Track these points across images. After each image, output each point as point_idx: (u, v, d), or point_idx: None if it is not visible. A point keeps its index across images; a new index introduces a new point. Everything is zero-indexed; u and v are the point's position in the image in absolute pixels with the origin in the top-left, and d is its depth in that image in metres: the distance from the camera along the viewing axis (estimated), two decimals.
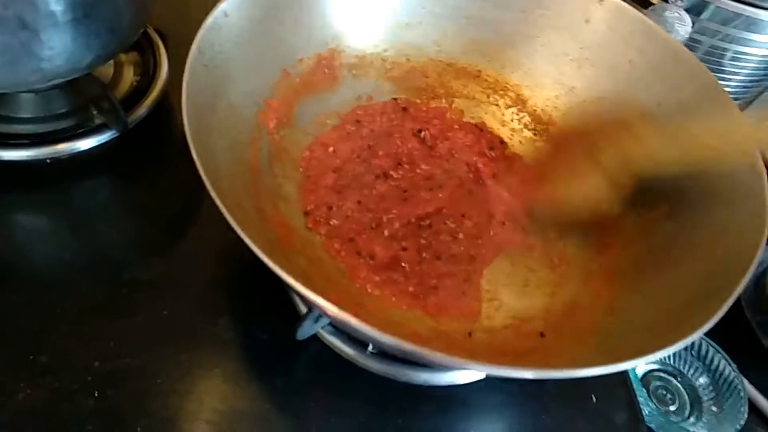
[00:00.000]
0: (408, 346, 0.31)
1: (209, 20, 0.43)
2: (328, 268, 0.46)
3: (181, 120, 0.62)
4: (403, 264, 0.47)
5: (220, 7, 0.44)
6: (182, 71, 0.64)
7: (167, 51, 0.68)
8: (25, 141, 0.55)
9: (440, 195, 0.52)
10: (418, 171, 0.53)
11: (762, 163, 0.43)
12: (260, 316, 0.49)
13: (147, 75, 0.65)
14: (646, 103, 0.52)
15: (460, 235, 0.49)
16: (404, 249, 0.48)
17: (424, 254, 0.48)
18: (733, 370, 0.62)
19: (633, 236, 0.48)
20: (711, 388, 0.63)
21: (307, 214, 0.49)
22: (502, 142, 0.58)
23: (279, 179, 0.49)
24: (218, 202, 0.33)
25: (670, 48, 0.51)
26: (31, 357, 0.43)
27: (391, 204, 0.50)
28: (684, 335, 0.34)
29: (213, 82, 0.43)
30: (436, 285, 0.46)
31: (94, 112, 0.58)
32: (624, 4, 0.54)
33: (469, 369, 0.32)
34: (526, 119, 0.59)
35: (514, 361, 0.41)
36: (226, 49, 0.44)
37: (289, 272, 0.32)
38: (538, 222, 0.51)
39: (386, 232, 0.48)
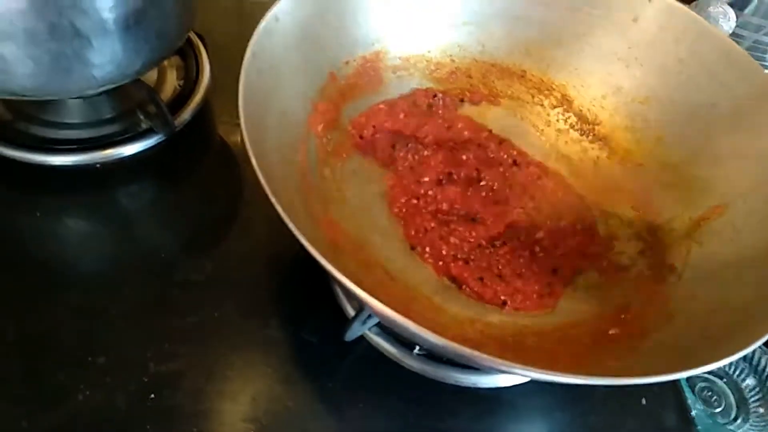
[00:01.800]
0: (458, 349, 0.31)
1: (262, 25, 0.43)
2: (375, 270, 0.46)
3: (222, 124, 0.65)
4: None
5: (272, 12, 0.44)
6: (223, 74, 0.66)
7: (208, 55, 0.68)
8: (74, 146, 0.57)
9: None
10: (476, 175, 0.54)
11: None
12: (308, 317, 0.49)
13: (190, 79, 0.66)
14: (698, 103, 0.51)
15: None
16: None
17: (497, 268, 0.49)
18: None
19: (685, 238, 0.47)
20: (758, 389, 0.62)
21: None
22: None
23: (328, 181, 0.49)
24: (277, 205, 0.34)
25: (722, 47, 0.50)
26: (89, 358, 0.45)
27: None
28: (740, 347, 0.34)
29: (265, 87, 0.43)
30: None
31: (141, 117, 0.59)
32: (674, 2, 0.53)
33: (518, 374, 0.31)
34: (572, 119, 0.58)
35: (564, 366, 0.41)
36: (277, 53, 0.45)
37: (345, 274, 0.32)
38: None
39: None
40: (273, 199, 0.33)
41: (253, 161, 0.35)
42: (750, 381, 0.62)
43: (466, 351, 0.31)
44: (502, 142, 0.57)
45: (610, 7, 0.55)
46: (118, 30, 0.49)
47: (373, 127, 0.54)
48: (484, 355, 0.31)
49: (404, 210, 0.51)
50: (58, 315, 0.47)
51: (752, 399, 0.62)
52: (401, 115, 0.55)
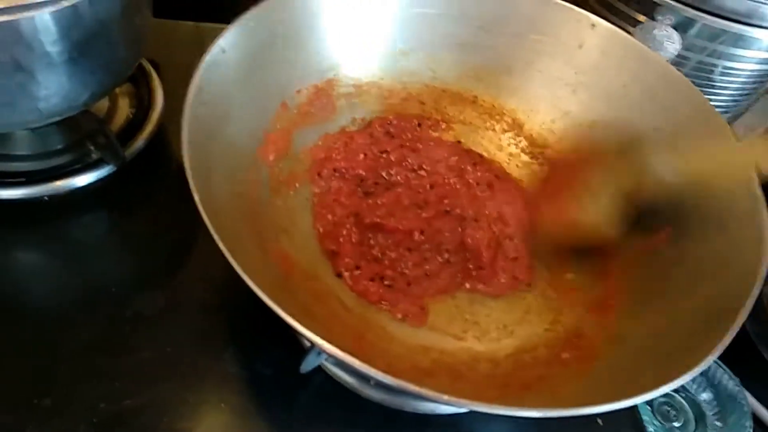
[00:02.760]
0: (409, 387, 0.31)
1: (207, 57, 0.43)
2: (329, 300, 0.46)
3: (178, 151, 0.63)
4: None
5: (217, 44, 0.44)
6: (177, 101, 0.64)
7: (161, 80, 0.68)
8: (22, 179, 0.55)
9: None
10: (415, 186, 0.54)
11: (759, 188, 0.43)
12: (263, 349, 0.49)
13: (142, 107, 0.65)
14: (642, 127, 0.52)
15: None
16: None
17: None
18: (736, 385, 0.62)
19: (634, 262, 0.48)
20: (715, 402, 0.63)
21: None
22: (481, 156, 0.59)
23: (280, 211, 0.49)
24: (220, 243, 0.33)
25: (662, 71, 0.52)
26: (35, 400, 0.43)
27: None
28: (691, 366, 0.34)
29: (212, 120, 0.43)
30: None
31: (91, 148, 0.58)
32: (616, 29, 0.55)
33: (475, 409, 0.32)
34: (523, 143, 0.59)
35: (516, 394, 0.41)
36: (224, 85, 0.45)
37: (292, 310, 0.32)
38: (538, 249, 0.51)
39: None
40: (216, 237, 0.33)
41: (196, 197, 0.34)
42: (707, 395, 0.63)
43: (415, 388, 0.30)
44: (476, 163, 0.58)
45: (556, 34, 0.56)
46: (63, 62, 0.48)
47: (334, 169, 0.54)
48: (431, 392, 0.30)
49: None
50: (3, 353, 0.46)
51: (710, 413, 0.63)
52: (360, 156, 0.55)
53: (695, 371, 0.35)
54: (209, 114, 0.42)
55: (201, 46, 0.76)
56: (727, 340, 0.36)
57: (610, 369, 0.41)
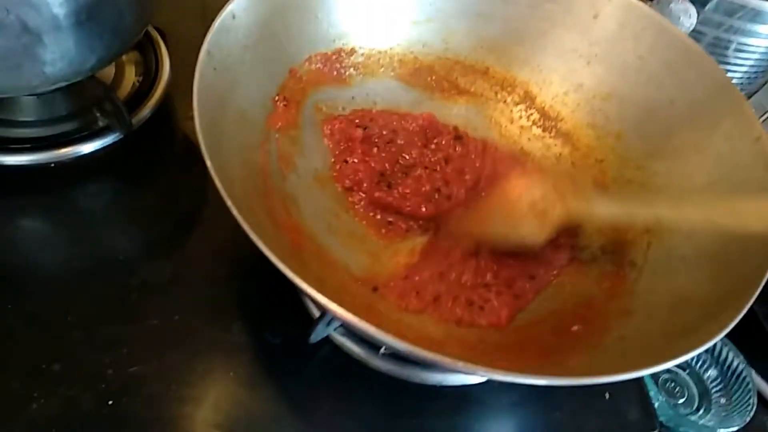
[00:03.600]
0: (423, 353, 0.31)
1: (217, 23, 0.42)
2: (339, 271, 0.46)
3: (184, 120, 0.63)
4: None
5: (228, 9, 0.43)
6: (184, 70, 0.64)
7: (168, 49, 0.67)
8: (28, 145, 0.55)
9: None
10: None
11: None
12: (272, 319, 0.49)
13: (149, 75, 0.64)
14: (658, 100, 0.52)
15: None
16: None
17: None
18: (742, 362, 0.62)
19: (645, 234, 0.47)
20: (719, 380, 0.63)
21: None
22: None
23: (289, 182, 0.48)
24: (234, 210, 0.33)
25: (681, 44, 0.51)
26: (44, 366, 0.43)
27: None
28: (699, 343, 0.34)
29: (222, 86, 0.42)
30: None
31: (98, 115, 0.57)
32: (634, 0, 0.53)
33: (481, 375, 0.32)
34: (535, 116, 0.58)
35: (527, 365, 0.41)
36: (234, 51, 0.44)
37: (305, 278, 0.32)
38: None
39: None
40: (231, 206, 0.33)
41: (209, 165, 0.34)
42: (712, 372, 0.64)
43: (429, 355, 0.30)
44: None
45: (571, 3, 0.55)
46: (70, 26, 0.47)
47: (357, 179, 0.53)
48: (446, 359, 0.30)
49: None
50: (10, 320, 0.46)
51: (714, 390, 0.63)
52: (374, 150, 0.54)
53: (703, 347, 0.35)
54: (219, 80, 0.42)
55: (206, 14, 0.77)
56: (735, 319, 0.36)
57: (619, 342, 0.40)
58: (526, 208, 0.46)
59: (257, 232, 0.32)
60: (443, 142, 0.56)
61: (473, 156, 0.55)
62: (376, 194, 0.51)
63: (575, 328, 0.43)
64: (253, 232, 0.32)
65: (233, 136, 0.42)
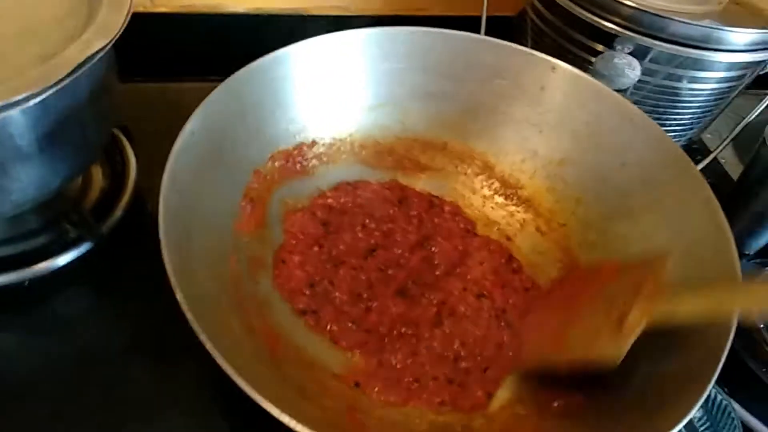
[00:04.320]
0: None
1: (178, 144, 0.43)
2: (318, 371, 0.46)
3: (156, 218, 0.64)
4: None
5: (187, 129, 0.45)
6: (151, 167, 0.65)
7: (132, 146, 0.68)
8: None
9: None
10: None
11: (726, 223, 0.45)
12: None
13: (116, 176, 0.64)
14: (609, 163, 0.54)
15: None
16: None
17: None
18: (725, 399, 0.63)
19: None
20: (705, 418, 0.64)
21: (303, 313, 0.50)
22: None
23: (261, 285, 0.49)
24: (207, 344, 0.34)
25: (619, 107, 0.54)
26: None
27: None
28: (681, 415, 0.36)
29: (187, 206, 0.43)
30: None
31: (67, 226, 0.58)
32: (575, 70, 0.56)
33: None
34: (496, 185, 0.60)
35: None
36: (197, 168, 0.45)
37: (280, 396, 0.32)
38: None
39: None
40: (204, 340, 0.33)
41: (179, 297, 0.35)
42: (697, 413, 0.64)
43: None
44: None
45: (518, 78, 0.57)
46: (33, 154, 0.48)
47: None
48: None
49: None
50: None
51: (701, 428, 0.64)
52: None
53: (682, 422, 0.36)
54: (184, 202, 0.42)
55: (169, 106, 0.78)
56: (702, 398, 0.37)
57: (600, 416, 0.41)
58: (603, 317, 0.42)
59: (226, 357, 0.33)
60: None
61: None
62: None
63: (556, 403, 0.44)
64: (235, 373, 0.33)
65: (202, 254, 0.43)
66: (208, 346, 0.33)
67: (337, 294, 0.50)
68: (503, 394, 0.47)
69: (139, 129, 0.70)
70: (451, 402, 0.46)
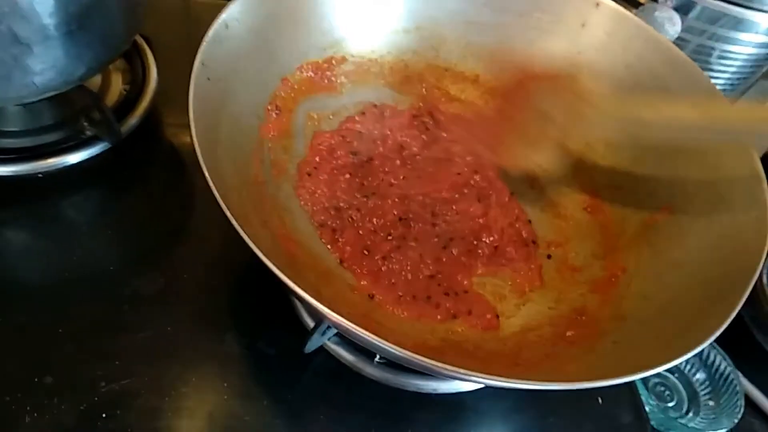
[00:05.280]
0: (423, 362, 0.31)
1: (210, 33, 0.42)
2: (334, 280, 0.46)
3: (171, 129, 0.63)
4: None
5: (221, 19, 0.43)
6: (170, 78, 0.64)
7: (155, 57, 0.66)
8: (14, 155, 0.54)
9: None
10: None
11: (759, 165, 0.44)
12: (265, 329, 0.48)
13: (136, 83, 0.63)
14: None
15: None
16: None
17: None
18: (729, 365, 0.63)
19: (636, 239, 0.48)
20: (708, 383, 0.64)
21: (321, 225, 0.49)
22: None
23: (283, 191, 0.48)
24: (233, 220, 0.33)
25: (668, 53, 0.52)
26: (36, 379, 0.43)
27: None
28: (692, 346, 0.35)
29: (216, 96, 0.42)
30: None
31: (85, 124, 0.57)
32: (620, 8, 0.54)
33: (477, 382, 0.32)
34: None
35: (523, 371, 0.41)
36: (227, 61, 0.44)
37: (305, 289, 0.32)
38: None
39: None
40: (230, 217, 0.32)
41: (208, 177, 0.34)
42: (700, 375, 0.64)
43: (429, 363, 0.31)
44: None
45: (559, 12, 0.56)
46: (60, 36, 0.47)
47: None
48: (446, 366, 0.31)
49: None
50: (0, 333, 0.45)
51: (703, 393, 0.64)
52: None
53: (694, 351, 0.35)
54: (213, 90, 0.42)
55: (190, 21, 0.77)
56: (726, 321, 0.36)
57: (613, 347, 0.41)
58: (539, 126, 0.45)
59: (255, 242, 0.32)
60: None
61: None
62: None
63: (569, 333, 0.43)
64: (252, 243, 0.32)
65: (227, 146, 0.42)
66: (233, 222, 0.32)
67: (360, 223, 0.50)
68: (516, 321, 0.46)
69: (162, 41, 0.69)
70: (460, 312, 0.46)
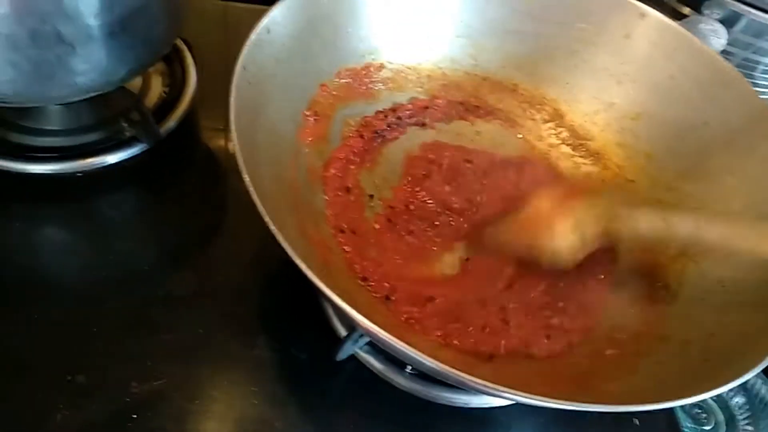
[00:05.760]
0: (459, 376, 0.30)
1: (253, 37, 0.42)
2: (367, 292, 0.45)
3: (208, 132, 0.63)
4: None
5: (263, 24, 0.43)
6: (209, 81, 0.65)
7: (194, 61, 0.67)
8: (54, 154, 0.55)
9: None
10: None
11: None
12: (296, 334, 0.48)
13: (175, 86, 0.64)
14: (690, 120, 0.51)
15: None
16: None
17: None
18: None
19: (680, 256, 0.47)
20: (747, 407, 0.62)
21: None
22: None
23: (318, 197, 0.48)
24: (271, 225, 0.33)
25: (714, 65, 0.51)
26: (69, 377, 0.43)
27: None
28: (739, 373, 0.34)
29: (255, 100, 0.42)
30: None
31: (125, 125, 0.57)
32: (667, 19, 0.53)
33: (510, 399, 0.31)
34: (564, 134, 0.58)
35: (561, 389, 0.40)
36: (267, 65, 0.44)
37: (341, 296, 0.31)
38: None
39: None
40: (269, 221, 0.32)
41: (247, 180, 0.34)
42: (739, 399, 0.63)
43: (464, 377, 0.30)
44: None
45: (603, 23, 0.55)
46: (104, 37, 0.47)
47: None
48: (483, 382, 0.30)
49: None
50: (35, 330, 0.45)
51: (741, 417, 0.62)
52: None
53: (743, 378, 0.34)
54: (253, 94, 0.42)
55: (228, 25, 0.77)
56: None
57: (655, 367, 0.40)
58: (561, 220, 0.44)
59: (293, 247, 0.32)
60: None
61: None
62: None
63: (609, 352, 0.42)
64: (290, 248, 0.31)
65: (265, 150, 0.42)
66: (272, 228, 0.32)
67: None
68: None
69: (201, 44, 0.69)
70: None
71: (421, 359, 0.31)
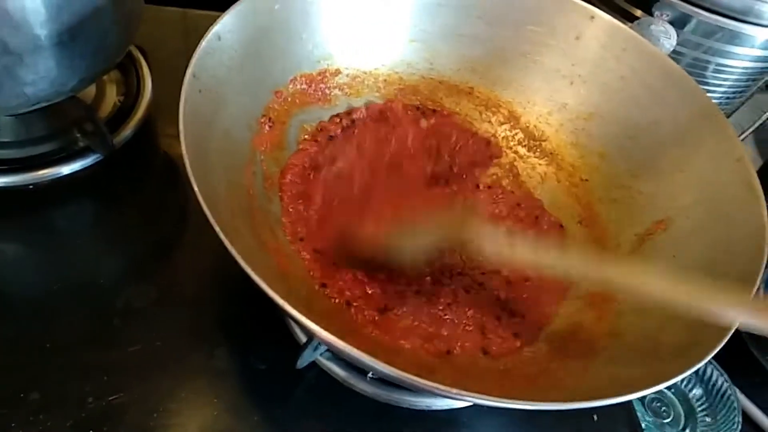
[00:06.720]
0: (415, 381, 0.30)
1: (203, 44, 0.42)
2: (327, 299, 0.45)
3: (165, 140, 0.63)
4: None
5: (213, 31, 0.43)
6: (165, 89, 0.64)
7: (150, 68, 0.66)
8: (5, 167, 0.54)
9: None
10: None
11: (758, 183, 0.43)
12: (256, 343, 0.48)
13: (131, 94, 0.63)
14: (640, 120, 0.52)
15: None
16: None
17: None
18: (726, 381, 0.62)
19: (631, 253, 0.48)
20: (705, 399, 0.64)
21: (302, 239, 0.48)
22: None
23: (274, 204, 0.48)
24: (221, 235, 0.32)
25: (662, 66, 0.52)
26: (22, 394, 0.42)
27: None
28: (690, 363, 0.34)
29: (207, 108, 0.41)
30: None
31: (78, 135, 0.57)
32: (615, 21, 0.54)
33: (478, 402, 0.31)
34: (520, 135, 0.59)
35: (519, 388, 0.40)
36: (219, 73, 0.43)
37: (294, 305, 0.31)
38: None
39: None
40: (219, 231, 0.32)
41: (197, 190, 0.33)
42: (697, 391, 0.64)
43: (421, 382, 0.30)
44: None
45: (553, 25, 0.56)
46: (52, 46, 0.46)
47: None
48: (439, 386, 0.30)
49: None
50: None
51: (700, 409, 0.63)
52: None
53: (693, 368, 0.35)
54: (205, 102, 0.41)
55: (187, 33, 0.77)
56: (724, 338, 0.36)
57: (609, 364, 0.40)
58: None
59: (245, 257, 0.32)
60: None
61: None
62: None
63: (563, 349, 0.43)
64: (241, 258, 0.31)
65: (219, 158, 0.42)
66: (220, 234, 0.31)
67: None
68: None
69: (156, 52, 0.68)
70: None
71: (374, 364, 0.31)
